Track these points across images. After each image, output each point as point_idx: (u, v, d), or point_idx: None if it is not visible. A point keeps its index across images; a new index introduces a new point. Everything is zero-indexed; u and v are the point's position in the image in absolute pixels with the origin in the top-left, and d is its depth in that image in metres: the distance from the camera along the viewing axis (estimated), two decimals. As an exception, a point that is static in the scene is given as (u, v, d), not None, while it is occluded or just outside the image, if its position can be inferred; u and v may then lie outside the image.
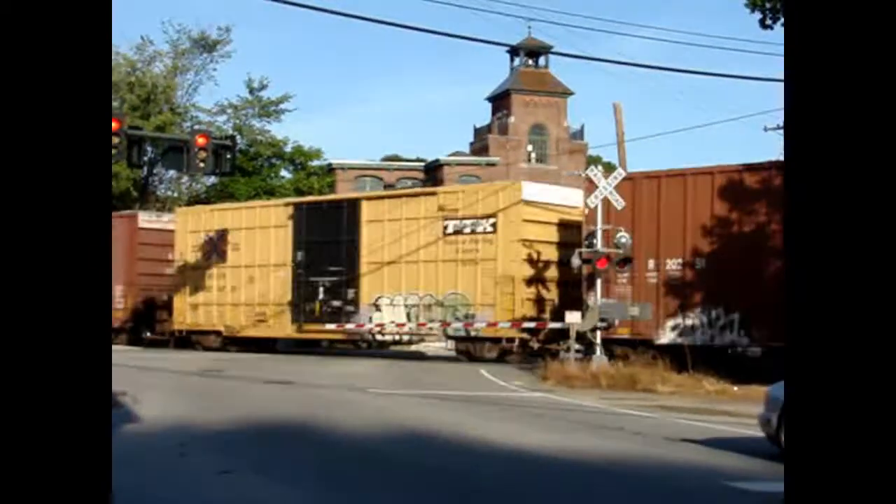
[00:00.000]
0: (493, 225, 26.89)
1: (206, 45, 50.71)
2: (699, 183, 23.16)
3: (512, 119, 62.14)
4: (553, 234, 27.21)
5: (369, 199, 31.35)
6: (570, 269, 25.17)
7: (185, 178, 50.37)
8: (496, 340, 27.18)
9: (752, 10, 20.01)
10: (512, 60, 64.11)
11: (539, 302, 27.01)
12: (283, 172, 56.09)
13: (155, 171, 50.58)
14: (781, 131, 37.29)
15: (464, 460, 10.90)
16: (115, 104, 43.51)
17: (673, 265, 23.35)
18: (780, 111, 37.00)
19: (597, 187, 23.39)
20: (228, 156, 23.73)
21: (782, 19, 19.43)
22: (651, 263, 23.67)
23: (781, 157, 25.70)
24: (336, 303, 29.78)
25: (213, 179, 49.53)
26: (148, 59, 50.17)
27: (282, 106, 52.96)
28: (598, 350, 23.24)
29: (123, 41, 53.23)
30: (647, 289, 23.70)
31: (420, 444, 12.18)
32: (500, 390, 20.40)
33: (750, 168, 22.80)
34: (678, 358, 21.95)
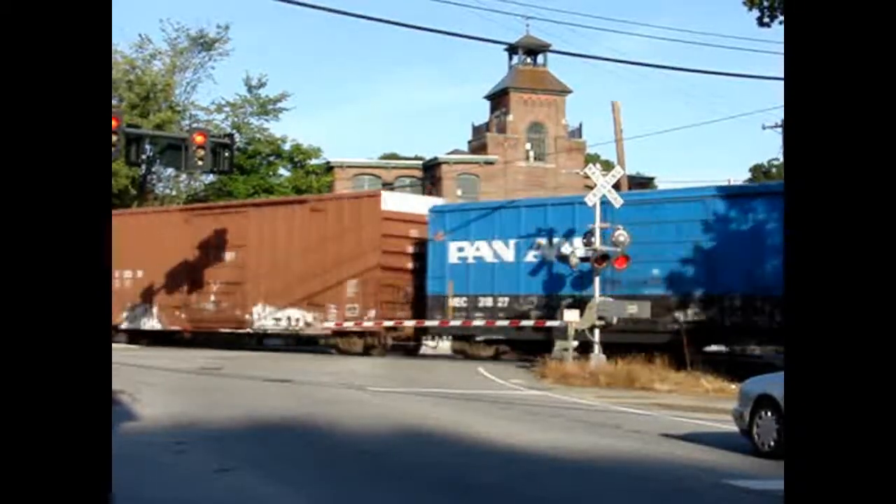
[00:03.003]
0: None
1: (204, 44, 50.70)
2: None
3: (510, 117, 62.08)
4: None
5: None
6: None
7: (183, 177, 50.33)
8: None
9: (750, 9, 20.05)
10: (510, 59, 64.03)
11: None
12: (282, 171, 56.11)
13: (153, 169, 50.54)
14: (780, 129, 37.36)
15: (462, 458, 10.90)
16: (113, 102, 43.47)
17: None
18: (779, 109, 37.05)
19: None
20: (227, 154, 23.72)
21: (780, 17, 19.46)
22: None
23: (780, 156, 25.63)
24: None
25: (211, 177, 49.52)
26: (147, 57, 50.18)
27: (280, 104, 53.02)
28: (597, 348, 23.28)
29: (122, 40, 53.42)
30: None
31: (419, 442, 12.19)
32: (499, 388, 20.42)
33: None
34: (677, 356, 21.99)
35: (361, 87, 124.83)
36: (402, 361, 28.21)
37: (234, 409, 15.30)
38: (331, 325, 30.02)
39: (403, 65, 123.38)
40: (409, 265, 29.63)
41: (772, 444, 10.87)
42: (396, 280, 29.39)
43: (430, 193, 52.54)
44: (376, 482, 9.47)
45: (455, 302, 27.97)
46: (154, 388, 18.29)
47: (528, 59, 63.57)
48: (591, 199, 23.76)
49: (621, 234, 23.19)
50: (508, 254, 27.27)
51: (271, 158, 54.85)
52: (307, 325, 30.72)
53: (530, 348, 26.32)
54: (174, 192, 52.16)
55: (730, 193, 24.48)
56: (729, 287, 23.01)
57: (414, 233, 29.50)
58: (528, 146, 62.06)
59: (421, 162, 63.67)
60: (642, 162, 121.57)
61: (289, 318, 31.13)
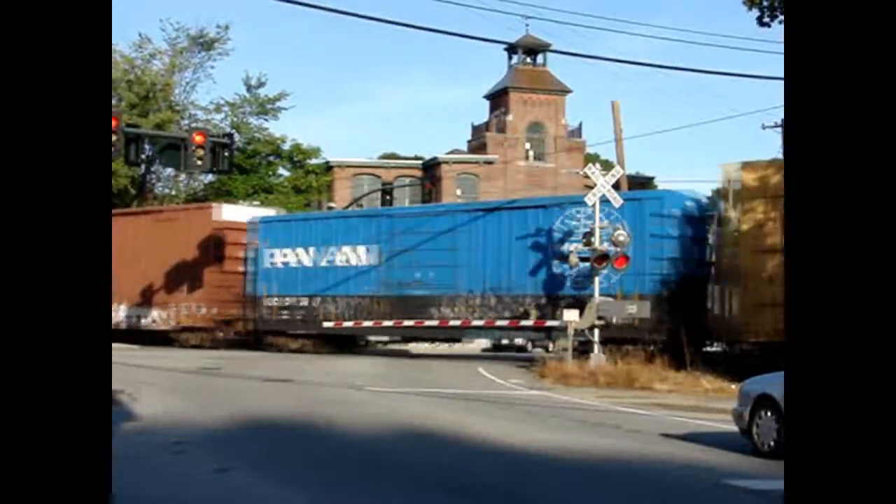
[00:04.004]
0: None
1: (204, 44, 50.67)
2: None
3: (510, 117, 62.11)
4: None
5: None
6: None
7: (182, 176, 50.32)
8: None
9: (750, 8, 20.06)
10: (510, 58, 64.06)
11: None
12: (281, 170, 56.09)
13: (153, 168, 50.50)
14: (780, 129, 37.35)
15: (462, 458, 10.90)
16: (113, 102, 43.46)
17: None
18: (779, 109, 37.05)
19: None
20: (226, 154, 23.69)
21: (780, 17, 19.46)
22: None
23: (780, 155, 25.74)
24: None
25: (210, 177, 49.50)
26: (146, 57, 50.14)
27: (279, 104, 52.98)
28: (597, 348, 23.28)
29: (122, 39, 53.31)
30: None
31: (419, 443, 12.18)
32: (498, 388, 20.43)
33: None
34: (676, 356, 22.00)
35: (361, 87, 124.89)
36: (401, 362, 28.23)
37: (234, 408, 15.30)
38: (173, 322, 34.17)
39: (403, 64, 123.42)
40: (241, 269, 33.33)
41: (772, 444, 10.87)
42: (230, 282, 33.09)
43: (429, 193, 52.54)
44: (376, 482, 9.46)
45: (269, 301, 32.07)
46: (154, 387, 18.28)
47: (528, 59, 63.59)
48: (591, 198, 23.77)
49: (621, 234, 23.21)
50: (308, 259, 31.37)
51: (271, 158, 54.84)
52: (153, 321, 34.81)
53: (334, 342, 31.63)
54: (174, 192, 52.14)
55: (473, 209, 29.81)
56: (470, 288, 27.60)
57: (245, 240, 33.38)
58: (527, 146, 62.08)
59: (420, 162, 63.68)
60: (642, 162, 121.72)
61: (138, 317, 35.10)
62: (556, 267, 25.87)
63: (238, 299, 33.08)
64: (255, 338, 32.65)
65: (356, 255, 30.12)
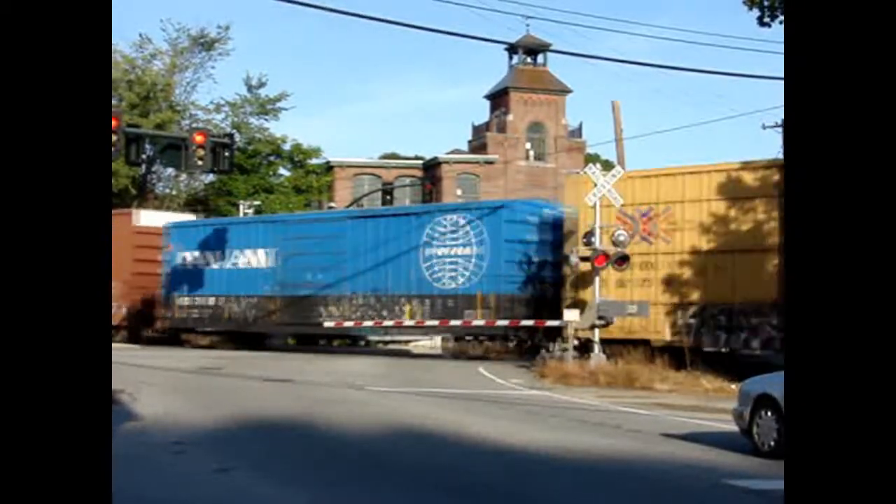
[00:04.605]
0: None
1: (204, 44, 50.65)
2: None
3: (510, 117, 62.08)
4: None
5: None
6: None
7: (183, 176, 50.30)
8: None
9: (751, 8, 20.02)
10: (510, 58, 64.03)
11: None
12: (282, 170, 56.06)
13: (153, 168, 50.49)
14: (780, 129, 37.33)
15: (462, 457, 10.90)
16: (113, 102, 43.45)
17: None
18: (779, 109, 37.04)
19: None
20: (226, 154, 23.68)
21: (780, 17, 19.45)
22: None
23: (780, 155, 25.72)
24: None
25: (211, 177, 49.49)
26: (147, 57, 50.13)
27: (280, 104, 52.92)
28: (597, 348, 23.28)
29: (122, 39, 53.29)
30: None
31: (419, 442, 12.18)
32: (498, 388, 20.42)
33: None
34: (677, 356, 22.00)
35: (361, 87, 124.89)
36: (402, 361, 28.23)
37: (234, 408, 15.30)
38: None
39: (403, 64, 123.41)
40: (158, 271, 35.30)
41: (772, 443, 10.87)
42: (148, 283, 35.12)
43: (430, 193, 52.49)
44: (377, 482, 9.47)
45: (181, 301, 34.27)
46: (154, 387, 18.28)
47: (529, 59, 63.57)
48: (591, 198, 23.74)
49: (621, 234, 23.19)
50: (215, 261, 33.37)
51: (271, 158, 54.81)
52: None
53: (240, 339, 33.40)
54: (174, 192, 52.13)
55: (356, 216, 32.26)
56: (354, 288, 29.81)
57: (162, 244, 35.29)
58: (528, 146, 62.06)
59: (421, 162, 63.65)
60: (642, 161, 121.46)
61: None
62: (426, 270, 28.25)
63: (156, 299, 35.48)
64: (171, 335, 35.29)
65: (256, 258, 32.46)
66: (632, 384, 20.57)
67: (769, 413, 11.01)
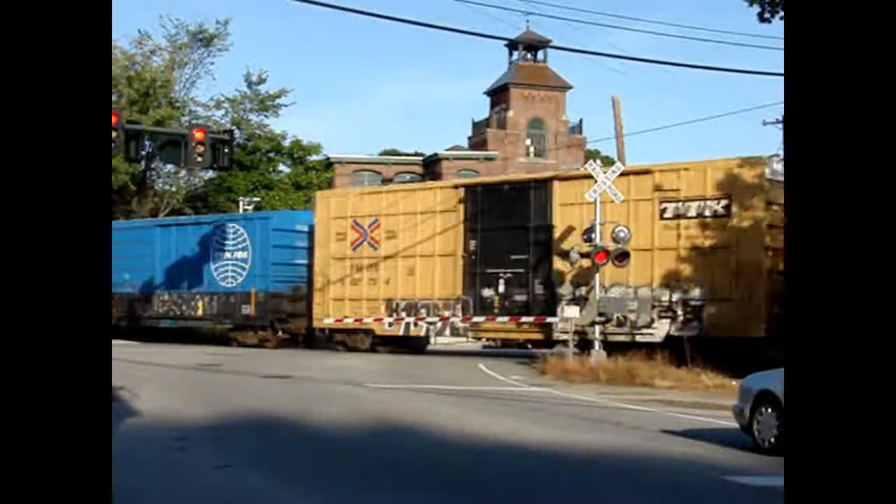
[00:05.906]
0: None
1: (203, 40, 50.58)
2: None
3: (510, 113, 62.07)
4: None
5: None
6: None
7: (183, 173, 50.23)
8: None
9: (751, 4, 20.00)
10: (510, 54, 64.02)
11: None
12: (282, 167, 56.02)
13: (153, 165, 50.44)
14: (780, 125, 37.31)
15: (463, 454, 10.90)
16: (113, 98, 43.39)
17: None
18: (779, 105, 37.00)
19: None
20: (226, 150, 23.61)
21: (781, 13, 19.42)
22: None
23: (780, 152, 25.68)
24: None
25: (210, 173, 49.46)
26: (146, 53, 50.06)
27: (280, 100, 52.85)
28: (597, 344, 23.28)
29: (122, 36, 52.95)
30: None
31: (419, 439, 12.17)
32: (499, 385, 20.41)
33: None
34: (677, 352, 22.00)
35: (361, 83, 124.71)
36: (402, 358, 28.23)
37: (234, 405, 15.30)
38: None
39: (403, 60, 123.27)
40: None
41: (772, 440, 10.87)
42: None
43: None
44: (377, 479, 9.46)
45: None
46: (154, 384, 18.28)
47: (529, 55, 63.54)
48: (592, 195, 23.74)
49: (622, 231, 23.20)
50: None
51: (271, 154, 54.80)
52: None
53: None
54: (174, 189, 52.09)
55: (161, 224, 38.26)
56: (162, 288, 35.46)
57: None
58: (528, 142, 62.05)
59: (421, 158, 63.64)
60: (643, 158, 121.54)
61: None
62: (215, 272, 33.72)
63: None
64: None
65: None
66: (632, 381, 20.56)
67: (769, 409, 11.01)
